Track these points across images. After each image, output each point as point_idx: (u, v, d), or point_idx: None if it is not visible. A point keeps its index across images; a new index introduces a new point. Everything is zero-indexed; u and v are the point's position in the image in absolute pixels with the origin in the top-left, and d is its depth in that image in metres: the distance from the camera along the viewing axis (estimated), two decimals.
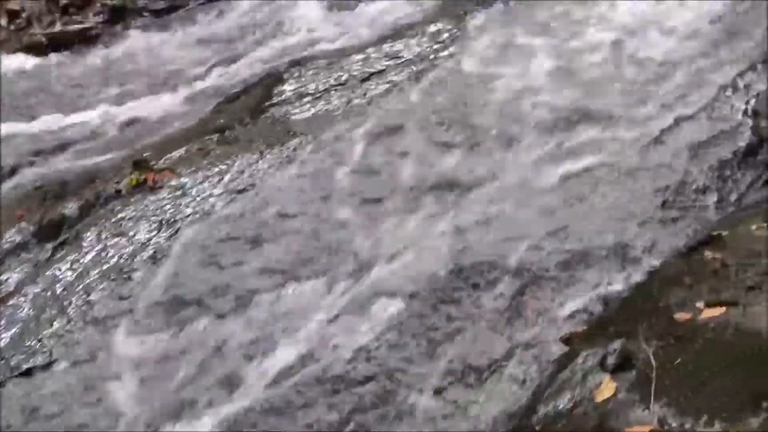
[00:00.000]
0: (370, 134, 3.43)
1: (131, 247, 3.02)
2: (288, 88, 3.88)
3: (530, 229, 2.87)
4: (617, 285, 2.62)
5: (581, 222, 2.87)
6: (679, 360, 1.96)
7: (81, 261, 2.99)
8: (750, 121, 3.09)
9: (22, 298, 2.87)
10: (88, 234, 3.11)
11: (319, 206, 3.12)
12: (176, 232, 3.08)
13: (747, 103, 3.15)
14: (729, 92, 3.22)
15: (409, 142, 3.37)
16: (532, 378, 2.40)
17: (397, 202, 3.10)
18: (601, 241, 2.77)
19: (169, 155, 3.51)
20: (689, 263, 2.42)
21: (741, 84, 3.23)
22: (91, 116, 3.93)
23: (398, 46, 3.98)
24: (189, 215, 3.15)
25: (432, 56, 3.82)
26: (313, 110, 3.70)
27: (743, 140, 3.03)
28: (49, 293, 2.87)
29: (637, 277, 2.62)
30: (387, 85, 3.73)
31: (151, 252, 3.00)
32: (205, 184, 3.30)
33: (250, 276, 2.86)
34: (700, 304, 2.13)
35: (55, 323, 2.76)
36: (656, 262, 2.64)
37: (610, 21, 3.78)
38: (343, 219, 3.06)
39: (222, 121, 3.76)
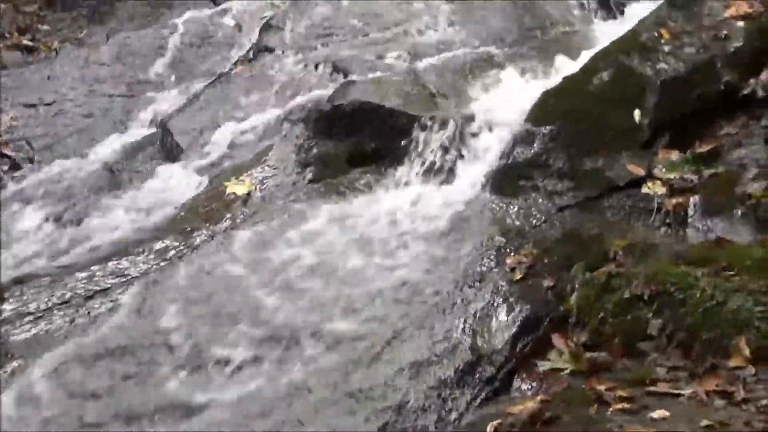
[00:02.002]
0: (93, 355, 3.42)
1: None
2: (8, 307, 3.82)
3: None
4: None
5: None
6: None
7: None
8: (468, 340, 3.31)
9: None
10: None
11: None
12: None
13: (465, 321, 3.39)
14: (448, 310, 3.47)
15: (132, 363, 3.39)
16: None
17: (117, 427, 3.09)
18: None
19: None
20: None
21: (459, 301, 3.50)
22: None
23: (124, 263, 4.05)
24: None
25: (158, 274, 3.91)
26: (33, 330, 3.66)
27: (462, 358, 3.22)
28: None
29: None
30: (111, 304, 3.76)
31: None
32: None
33: None
34: None
35: None
36: None
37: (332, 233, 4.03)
38: None
39: None
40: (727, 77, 4.52)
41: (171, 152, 4.79)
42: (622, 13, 5.61)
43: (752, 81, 4.52)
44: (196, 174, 4.61)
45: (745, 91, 4.50)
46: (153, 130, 4.99)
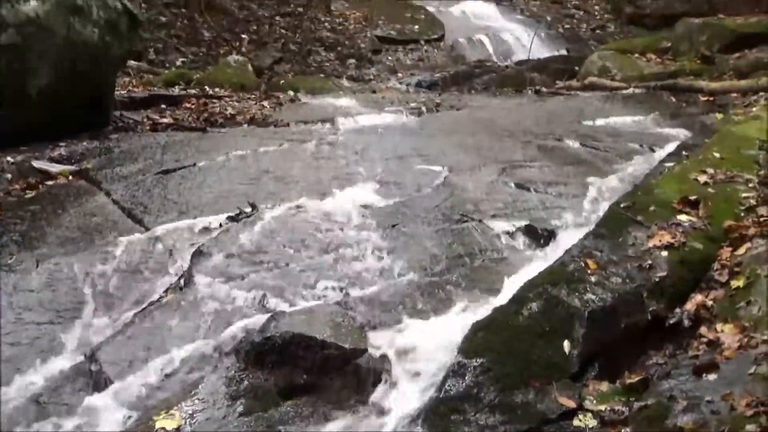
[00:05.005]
0: None
1: None
2: None
3: None
4: None
5: None
6: None
7: None
8: None
9: None
10: None
11: None
12: None
13: None
14: None
15: None
16: None
17: None
18: None
19: None
20: None
21: None
22: None
23: None
24: None
25: None
26: None
27: None
28: None
29: None
30: None
31: None
32: None
33: None
34: None
35: None
36: None
37: None
38: None
39: None
40: (653, 307, 4.79)
41: (99, 383, 4.79)
42: (549, 241, 5.89)
43: (678, 310, 4.79)
44: (124, 407, 4.61)
45: (672, 321, 4.75)
46: (81, 359, 5.00)
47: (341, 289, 5.29)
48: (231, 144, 8.71)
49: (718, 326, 4.67)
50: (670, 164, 7.03)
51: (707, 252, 5.36)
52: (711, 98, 11.23)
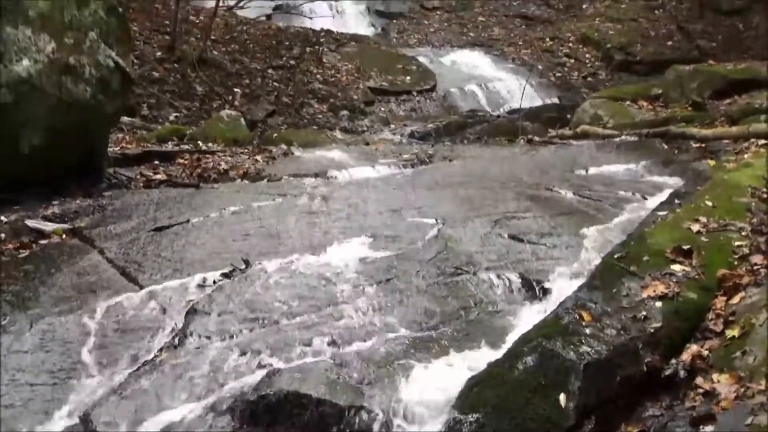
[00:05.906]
0: None
1: None
2: None
3: None
4: None
5: None
6: None
7: None
8: None
9: None
10: None
11: None
12: None
13: None
14: None
15: None
16: None
17: None
18: None
19: None
20: None
21: None
22: None
23: None
24: None
25: None
26: None
27: None
28: None
29: None
30: None
31: None
32: None
33: None
34: None
35: None
36: None
37: None
38: None
39: None
40: (648, 358, 4.81)
41: None
42: (543, 293, 5.92)
43: (673, 361, 4.81)
44: None
45: (668, 372, 4.77)
46: (75, 421, 4.99)
47: (336, 345, 5.30)
48: (224, 200, 8.76)
49: (714, 377, 4.69)
50: (663, 213, 7.08)
51: (701, 302, 5.40)
52: (703, 145, 11.31)
